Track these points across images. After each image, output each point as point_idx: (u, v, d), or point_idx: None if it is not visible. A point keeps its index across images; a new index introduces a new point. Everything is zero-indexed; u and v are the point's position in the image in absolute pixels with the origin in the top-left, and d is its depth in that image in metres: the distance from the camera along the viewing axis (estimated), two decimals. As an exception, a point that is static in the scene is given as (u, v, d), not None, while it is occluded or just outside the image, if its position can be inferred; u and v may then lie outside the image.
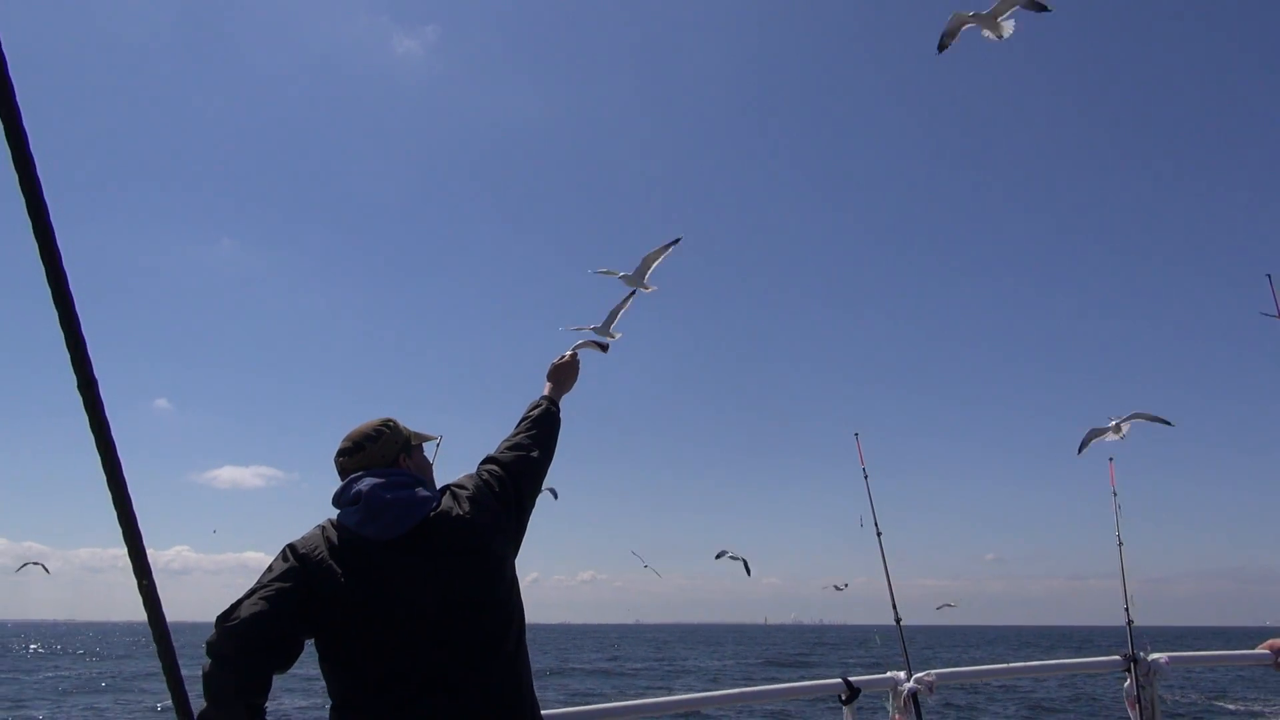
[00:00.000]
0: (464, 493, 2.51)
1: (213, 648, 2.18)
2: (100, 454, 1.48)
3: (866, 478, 4.38)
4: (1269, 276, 4.51)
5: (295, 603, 2.25)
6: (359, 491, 2.36)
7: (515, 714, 2.37)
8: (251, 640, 2.18)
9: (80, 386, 1.47)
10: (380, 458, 2.48)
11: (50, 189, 1.36)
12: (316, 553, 2.32)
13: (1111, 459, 4.42)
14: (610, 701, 3.86)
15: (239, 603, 2.24)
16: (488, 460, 2.72)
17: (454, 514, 2.42)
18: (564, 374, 3.09)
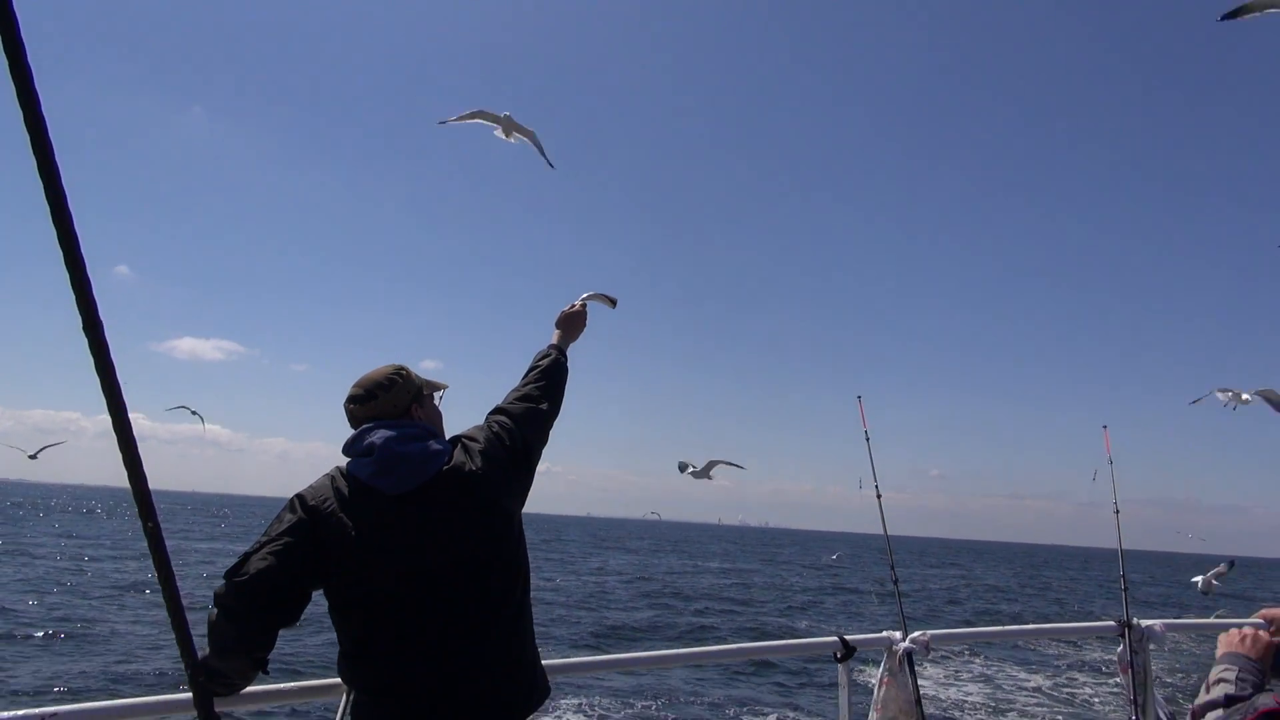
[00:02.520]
0: (475, 446, 2.47)
1: (220, 600, 2.19)
2: (106, 397, 1.47)
3: (868, 439, 4.35)
4: None
5: (303, 557, 2.25)
6: (372, 443, 2.34)
7: (519, 667, 2.39)
8: (259, 596, 2.19)
9: (85, 328, 1.45)
10: (392, 407, 2.45)
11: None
12: (326, 505, 2.31)
13: (1105, 426, 4.39)
14: (607, 654, 3.90)
15: (248, 556, 2.25)
16: (497, 411, 2.68)
17: (467, 469, 2.39)
18: (573, 323, 3.04)
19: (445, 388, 2.67)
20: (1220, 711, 1.71)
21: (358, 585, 2.27)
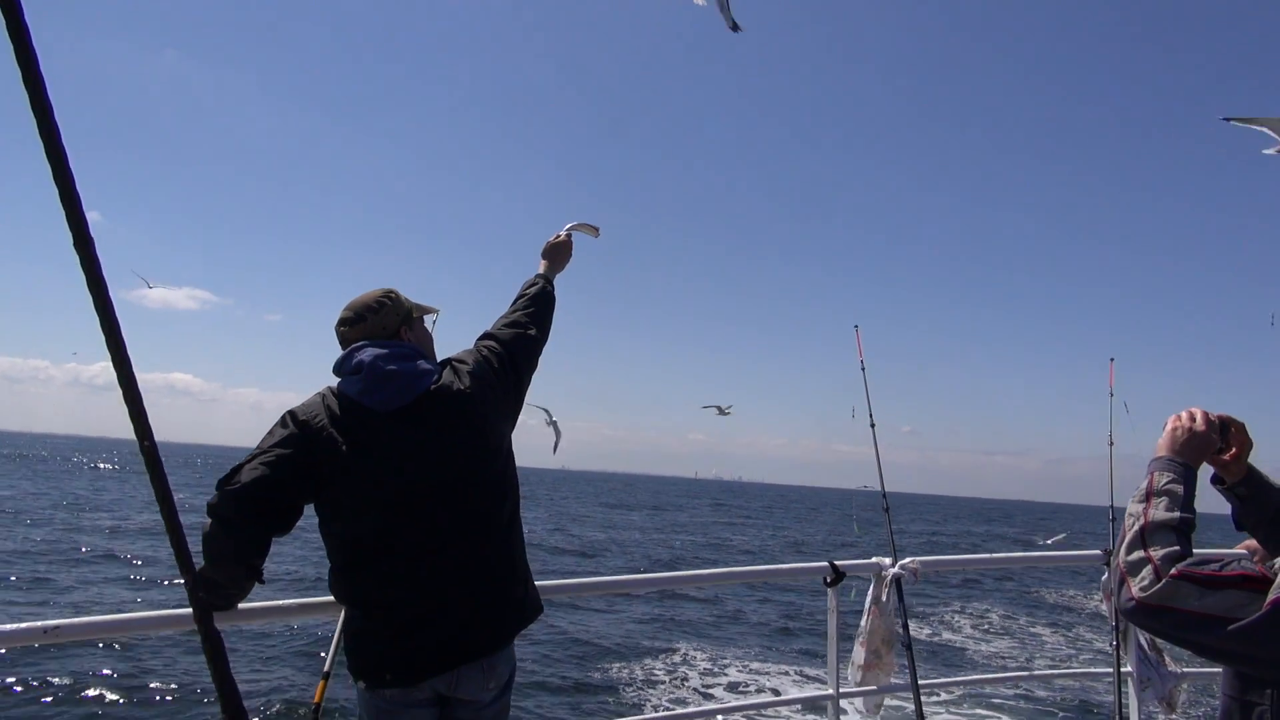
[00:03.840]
0: (464, 367, 2.54)
1: (213, 510, 2.25)
2: (98, 312, 1.46)
3: (864, 370, 4.36)
4: None
5: (295, 468, 2.31)
6: (360, 361, 2.39)
7: (509, 583, 2.44)
8: (251, 503, 2.25)
9: (76, 244, 1.43)
10: (382, 329, 2.51)
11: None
12: (317, 420, 2.36)
13: (1113, 359, 4.40)
14: (599, 576, 3.97)
15: (240, 467, 2.30)
16: (486, 336, 2.74)
17: (455, 388, 2.45)
18: (559, 253, 3.09)
19: (437, 312, 2.71)
20: (1175, 546, 1.60)
21: (348, 500, 2.33)
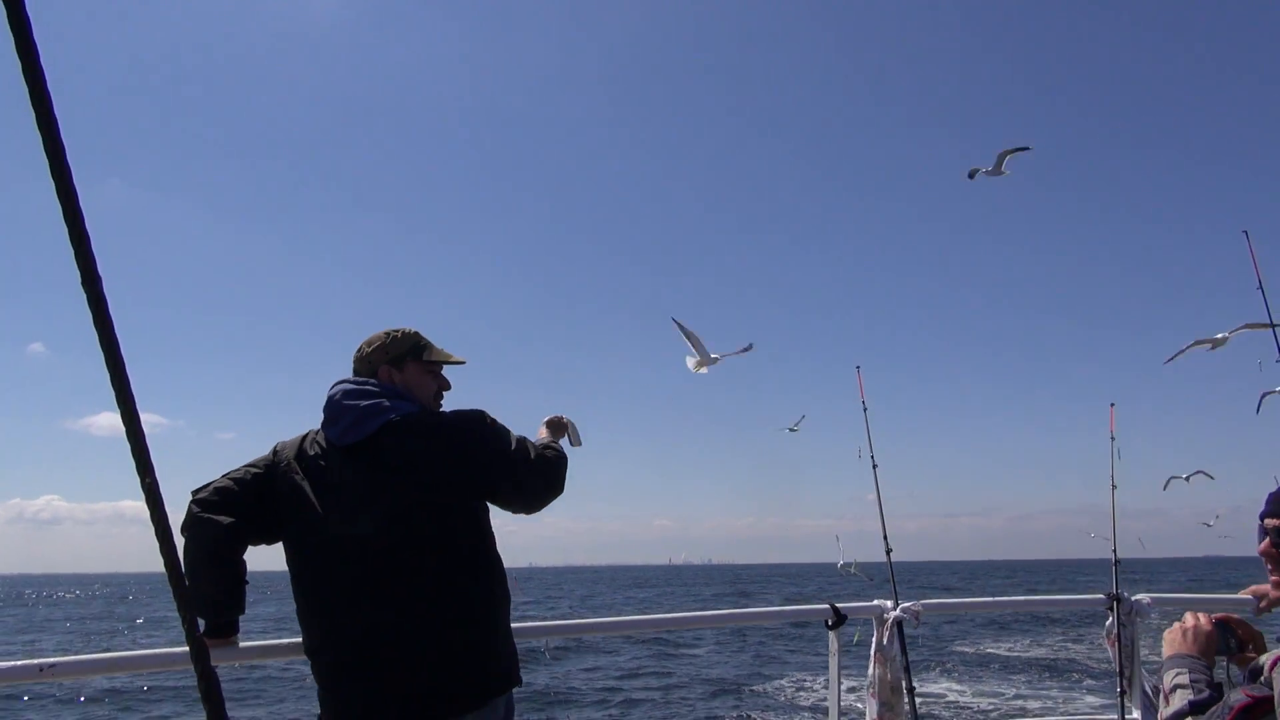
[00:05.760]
0: (439, 420, 2.37)
1: (185, 524, 2.31)
2: (103, 349, 1.46)
3: (866, 410, 4.40)
4: (1246, 233, 4.44)
5: (259, 487, 2.38)
6: (329, 394, 2.42)
7: (456, 655, 2.21)
8: (216, 505, 2.32)
9: (84, 283, 1.44)
10: (366, 366, 2.49)
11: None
12: (288, 451, 2.41)
13: (1113, 405, 4.42)
14: (599, 618, 3.94)
15: (210, 482, 2.39)
16: (522, 436, 2.45)
17: (412, 433, 2.29)
18: (557, 427, 2.74)
19: (459, 362, 2.55)
20: (1183, 711, 1.64)
21: (302, 535, 2.32)
